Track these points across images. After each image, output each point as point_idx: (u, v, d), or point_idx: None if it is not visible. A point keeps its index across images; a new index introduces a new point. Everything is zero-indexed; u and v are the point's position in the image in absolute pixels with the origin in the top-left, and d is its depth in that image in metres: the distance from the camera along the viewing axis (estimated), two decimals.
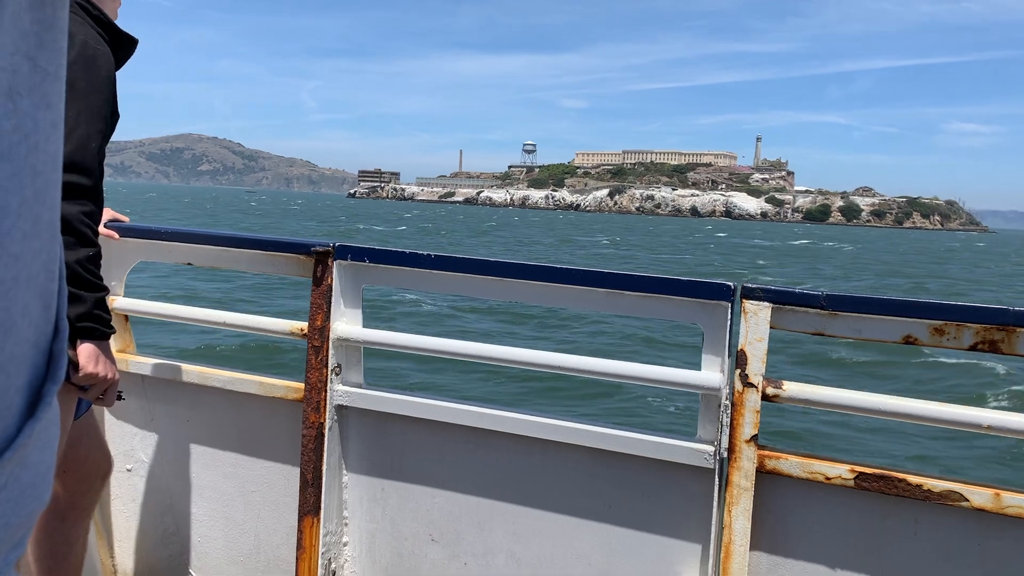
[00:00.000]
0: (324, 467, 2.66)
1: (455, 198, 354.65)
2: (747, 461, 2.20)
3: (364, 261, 2.61)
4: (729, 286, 2.21)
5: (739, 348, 2.19)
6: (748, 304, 2.18)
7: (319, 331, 2.62)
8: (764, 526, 2.25)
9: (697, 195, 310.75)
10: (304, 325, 2.68)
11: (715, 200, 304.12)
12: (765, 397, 2.19)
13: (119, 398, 2.35)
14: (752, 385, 2.18)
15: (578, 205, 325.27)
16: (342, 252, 2.60)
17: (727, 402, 2.22)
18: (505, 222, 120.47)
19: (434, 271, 2.54)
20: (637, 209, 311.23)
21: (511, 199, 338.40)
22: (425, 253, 2.54)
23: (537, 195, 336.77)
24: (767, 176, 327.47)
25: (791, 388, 2.18)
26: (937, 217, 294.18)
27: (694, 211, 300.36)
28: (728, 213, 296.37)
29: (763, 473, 2.21)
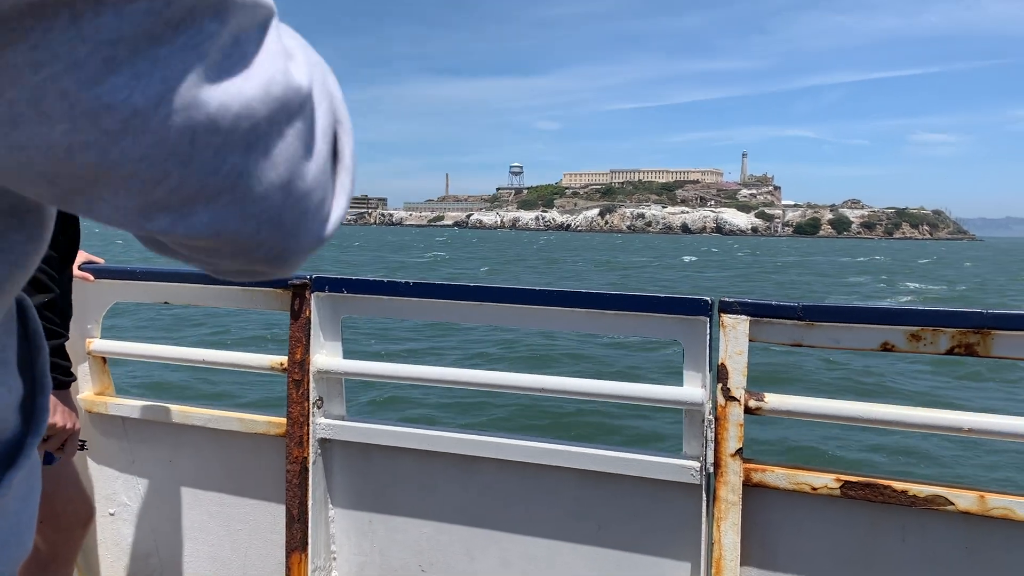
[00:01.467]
0: (310, 502, 2.64)
1: (444, 222, 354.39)
2: (733, 475, 2.20)
3: (342, 292, 2.59)
4: (707, 301, 2.21)
5: (720, 362, 2.20)
6: (726, 318, 2.19)
7: (299, 364, 2.61)
8: (753, 540, 2.25)
9: (687, 212, 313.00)
10: (284, 359, 2.66)
11: (705, 216, 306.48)
12: (748, 410, 2.20)
13: (81, 447, 2.30)
14: (734, 399, 2.19)
15: (568, 225, 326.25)
16: (319, 284, 2.60)
17: (710, 417, 2.23)
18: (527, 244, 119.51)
19: (413, 299, 2.53)
20: (628, 227, 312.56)
21: (501, 221, 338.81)
22: (403, 281, 2.53)
23: (527, 216, 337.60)
24: (755, 191, 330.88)
25: (773, 400, 2.20)
26: (926, 227, 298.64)
27: (685, 228, 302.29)
28: (719, 229, 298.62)
29: (750, 486, 2.21)
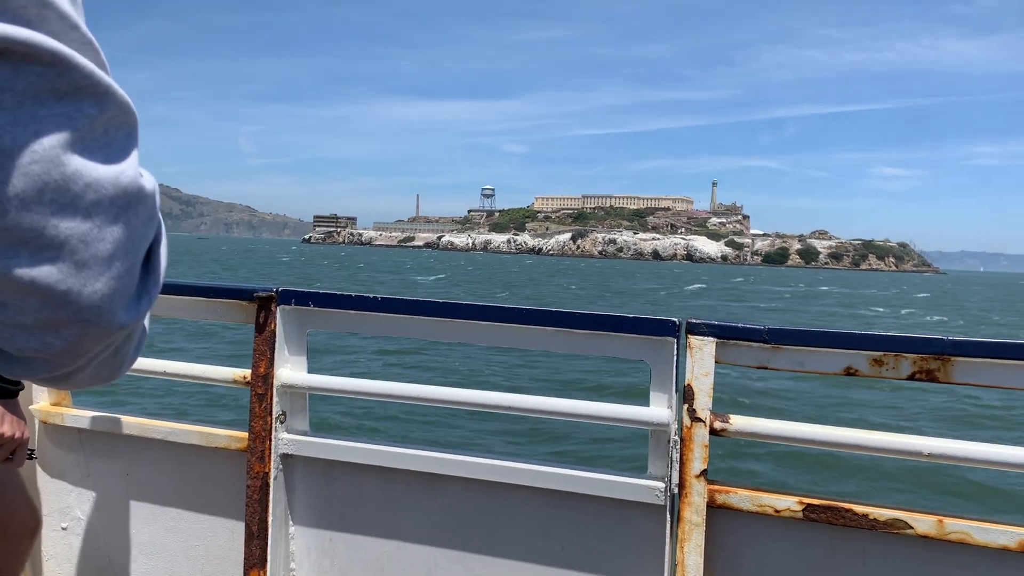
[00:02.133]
0: (270, 518, 2.60)
1: (415, 243, 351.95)
2: (697, 496, 2.21)
3: (309, 305, 2.58)
4: (674, 322, 2.22)
5: (686, 383, 2.21)
6: (693, 339, 2.20)
7: (263, 378, 2.58)
8: (716, 562, 2.25)
9: (658, 238, 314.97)
10: (247, 372, 2.63)
11: (676, 244, 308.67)
12: (713, 432, 2.21)
13: (29, 457, 2.27)
14: (700, 420, 2.20)
15: (540, 249, 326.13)
16: (286, 297, 2.58)
17: (676, 438, 2.23)
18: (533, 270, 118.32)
19: (380, 314, 2.52)
20: (599, 253, 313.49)
21: (473, 243, 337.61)
22: (371, 295, 2.52)
23: (499, 239, 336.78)
24: (724, 220, 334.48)
25: (738, 422, 2.21)
26: (891, 259, 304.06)
27: (655, 254, 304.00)
28: (689, 256, 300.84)
29: (714, 508, 2.22)
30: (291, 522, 2.70)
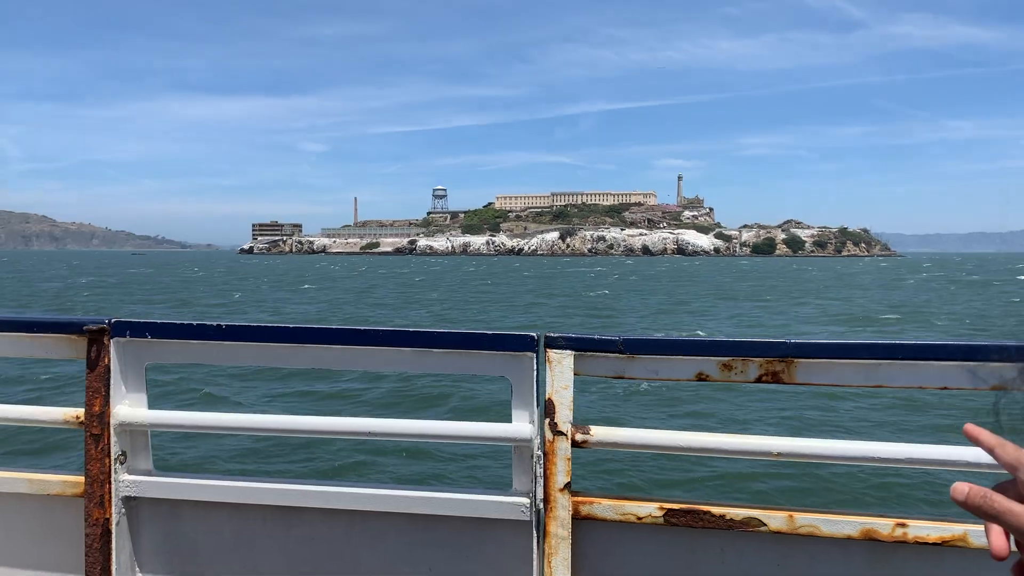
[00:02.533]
0: (113, 567, 2.45)
1: (383, 248, 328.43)
2: (562, 510, 2.21)
3: (145, 337, 2.44)
4: (532, 337, 2.22)
5: (547, 397, 2.21)
6: (552, 353, 2.20)
7: (98, 417, 2.42)
8: (584, 573, 2.26)
9: (645, 234, 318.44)
10: (80, 412, 2.46)
11: (665, 238, 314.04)
12: (575, 444, 2.21)
13: None
14: (561, 433, 2.19)
15: (521, 249, 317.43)
16: (120, 329, 2.43)
17: (539, 452, 2.22)
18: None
19: (227, 343, 2.40)
20: (590, 250, 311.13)
21: (452, 247, 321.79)
22: (214, 324, 2.40)
23: (478, 241, 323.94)
24: (696, 213, 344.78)
25: (598, 433, 2.22)
26: (863, 245, 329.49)
27: (645, 249, 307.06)
28: (681, 250, 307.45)
29: (579, 520, 2.24)
30: (138, 570, 2.55)
